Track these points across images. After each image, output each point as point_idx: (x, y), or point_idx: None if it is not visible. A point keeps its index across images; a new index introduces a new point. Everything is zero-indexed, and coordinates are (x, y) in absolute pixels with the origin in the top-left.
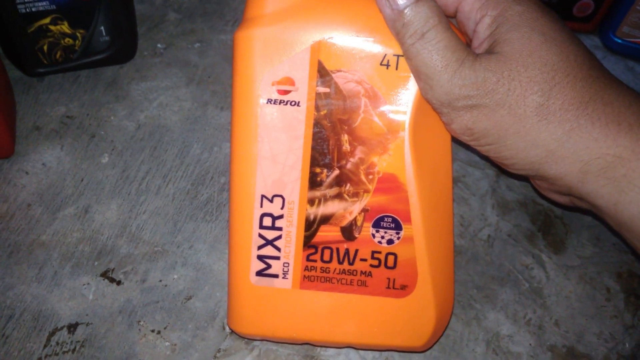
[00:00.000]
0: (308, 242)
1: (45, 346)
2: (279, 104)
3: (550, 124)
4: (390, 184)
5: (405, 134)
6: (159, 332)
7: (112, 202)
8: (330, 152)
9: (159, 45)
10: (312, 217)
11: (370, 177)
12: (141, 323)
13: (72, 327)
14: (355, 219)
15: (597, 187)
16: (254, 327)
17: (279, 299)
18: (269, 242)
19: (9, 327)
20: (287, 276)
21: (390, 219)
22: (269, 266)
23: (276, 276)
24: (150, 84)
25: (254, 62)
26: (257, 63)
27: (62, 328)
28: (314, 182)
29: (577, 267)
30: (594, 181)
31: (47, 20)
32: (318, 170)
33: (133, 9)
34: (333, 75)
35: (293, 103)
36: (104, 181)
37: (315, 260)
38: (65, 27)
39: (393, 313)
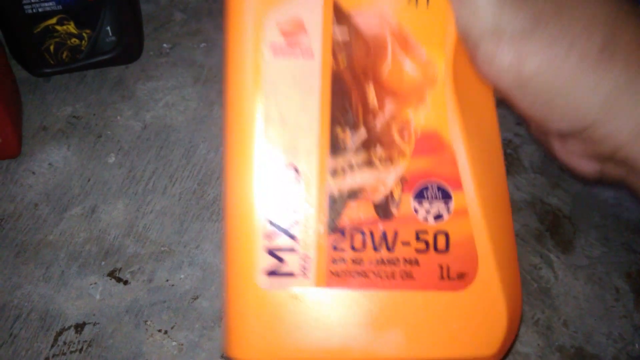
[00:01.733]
0: (333, 225)
1: (52, 346)
2: (287, 53)
3: (615, 69)
4: (432, 144)
5: (446, 82)
6: (165, 332)
7: (118, 202)
8: (353, 108)
9: (164, 45)
10: (335, 192)
11: (406, 136)
12: (148, 323)
13: (79, 327)
14: (391, 192)
15: None
16: (265, 350)
17: (299, 306)
18: (282, 230)
19: (17, 327)
20: (308, 274)
21: (435, 188)
22: (282, 261)
23: (292, 274)
24: (156, 83)
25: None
26: (259, 0)
27: (69, 328)
28: (335, 147)
29: (586, 267)
30: None
31: (53, 20)
32: (339, 131)
33: (139, 9)
34: (351, 16)
35: (304, 51)
36: (111, 181)
37: (343, 250)
38: (71, 28)
39: (451, 312)
